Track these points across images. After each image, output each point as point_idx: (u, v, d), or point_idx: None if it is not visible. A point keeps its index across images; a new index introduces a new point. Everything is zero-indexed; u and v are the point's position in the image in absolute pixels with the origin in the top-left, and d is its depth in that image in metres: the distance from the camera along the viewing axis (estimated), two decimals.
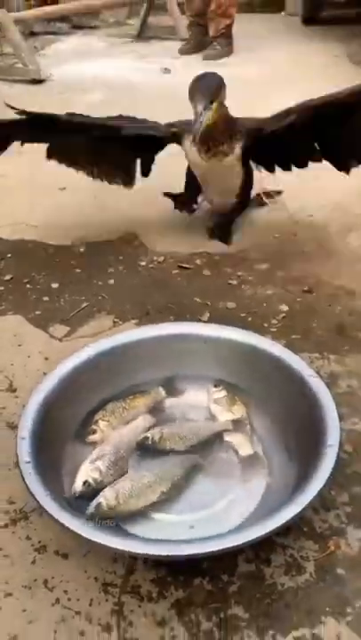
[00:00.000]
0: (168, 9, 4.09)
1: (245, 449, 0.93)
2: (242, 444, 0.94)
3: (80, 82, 3.30)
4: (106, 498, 0.83)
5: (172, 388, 1.04)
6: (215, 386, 1.02)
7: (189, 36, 3.83)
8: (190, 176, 1.56)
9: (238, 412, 0.99)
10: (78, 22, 4.73)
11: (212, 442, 0.95)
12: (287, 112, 1.40)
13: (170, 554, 0.73)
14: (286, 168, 1.55)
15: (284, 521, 0.72)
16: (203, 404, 1.01)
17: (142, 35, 4.30)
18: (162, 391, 1.03)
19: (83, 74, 3.46)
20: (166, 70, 3.45)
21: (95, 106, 2.86)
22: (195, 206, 1.66)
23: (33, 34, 4.40)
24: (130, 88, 3.15)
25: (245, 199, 1.61)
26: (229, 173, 1.48)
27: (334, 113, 1.39)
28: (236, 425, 0.96)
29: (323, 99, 1.39)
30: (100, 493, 0.84)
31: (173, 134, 1.50)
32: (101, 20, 4.93)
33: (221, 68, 3.41)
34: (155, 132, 1.52)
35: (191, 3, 3.69)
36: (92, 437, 0.96)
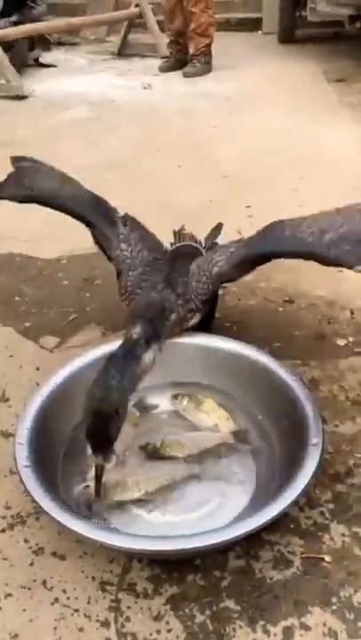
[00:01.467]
0: (148, 27, 4.18)
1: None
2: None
3: (62, 98, 3.35)
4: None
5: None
6: (175, 397, 1.06)
7: (170, 53, 3.90)
8: None
9: (219, 415, 1.03)
10: (59, 39, 4.80)
11: (213, 452, 0.98)
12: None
13: (171, 549, 0.76)
14: None
15: (274, 514, 0.76)
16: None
17: (123, 52, 4.39)
18: (135, 411, 1.05)
19: (65, 90, 3.52)
20: (147, 86, 3.53)
21: (78, 122, 2.92)
22: None
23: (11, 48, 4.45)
24: (111, 104, 3.21)
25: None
26: None
27: None
28: (237, 435, 1.00)
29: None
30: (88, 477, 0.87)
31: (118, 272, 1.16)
32: (82, 37, 5.01)
33: (200, 85, 3.51)
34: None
35: (171, 22, 3.74)
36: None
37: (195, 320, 1.10)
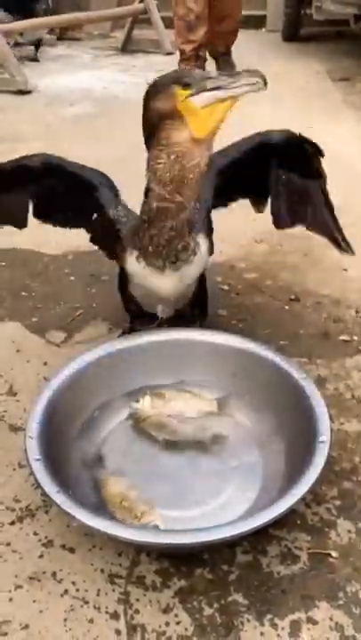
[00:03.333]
0: (152, 23, 4.18)
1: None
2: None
3: (66, 93, 3.35)
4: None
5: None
6: (137, 401, 1.05)
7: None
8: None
9: (185, 397, 1.06)
10: (63, 34, 4.80)
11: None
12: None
13: (181, 542, 0.77)
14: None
15: (282, 510, 0.77)
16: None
17: (127, 48, 4.39)
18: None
19: (68, 85, 3.52)
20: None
21: (81, 118, 2.92)
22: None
23: (17, 44, 4.45)
24: (115, 100, 3.21)
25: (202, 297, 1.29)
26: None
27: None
28: (220, 403, 1.05)
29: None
30: None
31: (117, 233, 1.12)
32: (86, 33, 5.00)
33: None
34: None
35: (195, 31, 3.09)
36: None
37: (202, 242, 1.07)
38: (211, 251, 1.12)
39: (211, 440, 1.01)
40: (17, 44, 4.42)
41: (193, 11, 3.01)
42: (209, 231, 1.13)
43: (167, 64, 4.00)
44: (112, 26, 5.03)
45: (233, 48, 3.89)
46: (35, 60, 4.13)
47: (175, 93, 0.95)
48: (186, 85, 0.94)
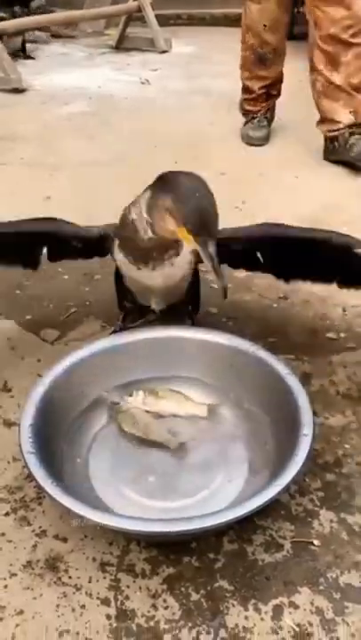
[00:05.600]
0: (147, 21, 4.20)
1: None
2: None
3: (61, 92, 3.37)
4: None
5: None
6: (130, 395, 1.09)
7: (256, 112, 2.51)
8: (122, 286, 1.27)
9: (177, 398, 1.10)
10: (56, 31, 4.80)
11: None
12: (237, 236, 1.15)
13: (169, 530, 0.81)
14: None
15: (266, 499, 0.81)
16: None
17: (121, 46, 4.40)
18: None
19: (63, 84, 3.53)
20: (145, 82, 3.55)
21: (76, 116, 2.94)
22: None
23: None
24: (110, 99, 3.23)
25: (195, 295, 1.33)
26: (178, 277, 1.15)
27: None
28: (210, 408, 1.08)
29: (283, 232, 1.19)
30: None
31: (100, 238, 1.17)
32: (80, 30, 5.01)
33: (197, 81, 3.54)
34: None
35: (268, 68, 2.39)
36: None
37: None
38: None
39: (178, 446, 1.03)
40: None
41: (269, 44, 2.32)
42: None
43: (162, 62, 4.04)
44: (106, 23, 5.03)
45: (226, 46, 3.86)
46: (20, 53, 4.09)
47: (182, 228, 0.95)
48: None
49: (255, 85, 2.46)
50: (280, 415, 0.99)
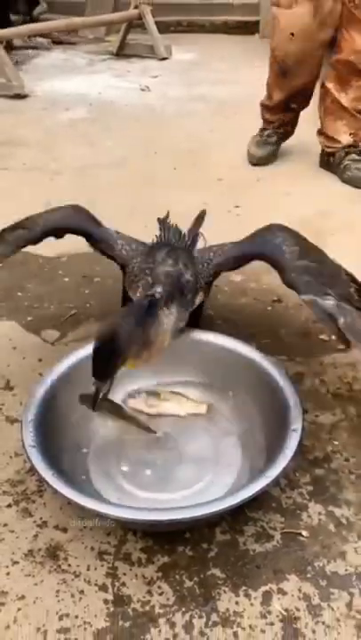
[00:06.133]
0: (147, 28, 4.25)
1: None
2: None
3: (62, 98, 3.42)
4: None
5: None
6: (131, 396, 1.14)
7: (268, 125, 2.38)
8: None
9: (179, 399, 1.14)
10: (58, 38, 4.86)
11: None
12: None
13: (164, 518, 0.85)
14: None
15: (256, 490, 0.85)
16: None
17: (121, 52, 4.45)
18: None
19: (64, 90, 3.58)
20: (145, 88, 3.60)
21: (77, 122, 3.00)
22: None
23: (13, 48, 4.52)
24: (110, 105, 3.28)
25: None
26: None
27: None
28: (209, 407, 1.13)
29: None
30: None
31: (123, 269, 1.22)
32: (81, 37, 5.07)
33: (196, 88, 3.59)
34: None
35: (289, 80, 2.18)
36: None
37: (199, 299, 1.18)
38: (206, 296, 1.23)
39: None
40: (12, 48, 4.50)
41: (292, 55, 2.09)
42: (208, 284, 1.21)
43: (162, 69, 4.09)
44: (107, 30, 5.09)
45: (225, 53, 3.85)
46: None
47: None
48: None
49: (275, 95, 2.27)
50: (271, 412, 1.03)
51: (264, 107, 2.37)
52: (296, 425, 0.95)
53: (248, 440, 1.05)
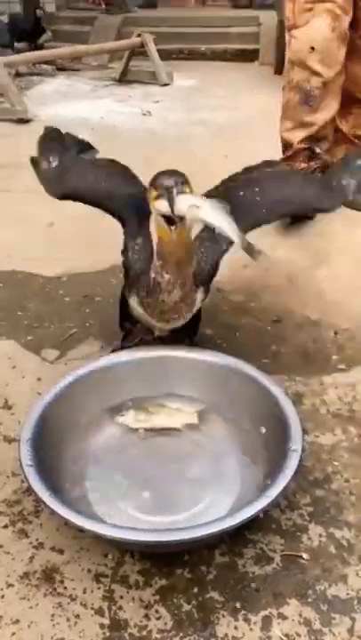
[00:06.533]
0: (149, 55, 4.34)
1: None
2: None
3: (65, 122, 3.46)
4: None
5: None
6: (121, 415, 1.13)
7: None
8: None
9: (168, 411, 1.14)
10: (62, 65, 4.97)
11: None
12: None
13: (163, 539, 0.84)
14: None
15: (256, 510, 0.84)
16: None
17: (124, 78, 4.54)
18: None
19: (67, 115, 3.64)
20: (147, 113, 3.66)
21: None
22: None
23: (18, 75, 4.61)
24: (112, 130, 3.34)
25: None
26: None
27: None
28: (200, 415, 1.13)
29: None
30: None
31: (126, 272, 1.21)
32: (84, 64, 5.18)
33: (197, 113, 3.65)
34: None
35: (314, 111, 1.94)
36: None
37: (200, 295, 1.17)
38: (206, 296, 1.22)
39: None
40: (17, 75, 4.60)
41: (320, 75, 1.86)
42: (209, 279, 1.21)
43: (163, 94, 4.17)
44: (110, 57, 5.21)
45: (226, 79, 3.92)
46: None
47: (151, 194, 1.03)
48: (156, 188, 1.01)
49: (295, 137, 1.96)
50: (271, 431, 1.02)
51: (283, 161, 2.02)
52: (296, 445, 0.94)
53: (248, 460, 1.04)
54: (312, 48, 1.86)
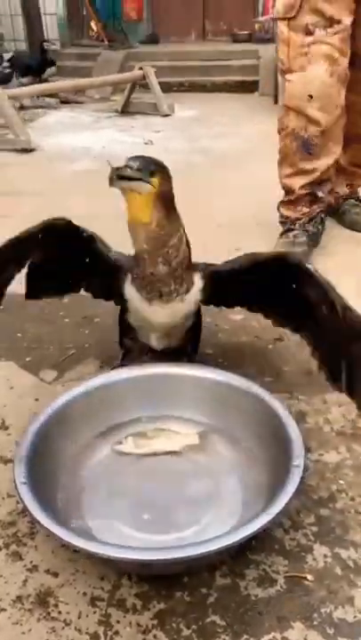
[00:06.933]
0: (150, 88, 4.44)
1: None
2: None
3: (67, 152, 3.53)
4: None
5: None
6: (119, 443, 1.11)
7: (291, 222, 1.97)
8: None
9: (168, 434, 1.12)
10: (65, 98, 5.08)
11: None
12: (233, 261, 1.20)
13: (161, 558, 0.81)
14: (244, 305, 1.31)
15: (258, 527, 0.81)
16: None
17: (126, 110, 4.63)
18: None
19: (69, 145, 3.71)
20: (149, 142, 3.72)
21: (80, 174, 3.07)
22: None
23: (22, 108, 4.72)
24: (113, 158, 3.37)
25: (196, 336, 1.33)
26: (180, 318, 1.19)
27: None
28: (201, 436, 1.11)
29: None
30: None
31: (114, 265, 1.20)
32: (87, 97, 5.29)
33: (198, 142, 3.71)
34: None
35: (315, 159, 1.86)
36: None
37: (198, 280, 1.17)
38: (205, 286, 1.20)
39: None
40: (22, 108, 4.70)
41: (318, 123, 1.79)
42: (207, 266, 1.22)
43: (164, 125, 4.24)
44: (112, 90, 5.32)
45: (227, 109, 3.99)
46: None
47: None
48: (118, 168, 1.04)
49: (296, 184, 1.89)
50: (272, 448, 1.00)
51: (283, 204, 1.99)
52: (298, 461, 0.91)
53: (250, 479, 1.01)
54: (310, 96, 1.76)
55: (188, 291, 1.17)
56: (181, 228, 1.16)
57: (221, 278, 1.20)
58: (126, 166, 1.04)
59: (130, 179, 1.04)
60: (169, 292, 1.14)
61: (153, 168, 1.06)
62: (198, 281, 1.18)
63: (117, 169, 1.04)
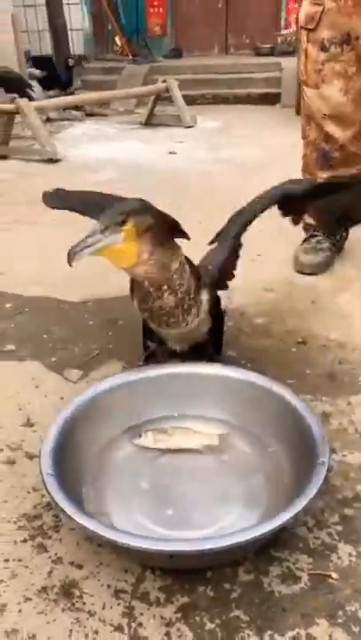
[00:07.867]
0: (173, 100, 4.49)
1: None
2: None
3: (92, 162, 3.59)
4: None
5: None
6: (139, 435, 1.12)
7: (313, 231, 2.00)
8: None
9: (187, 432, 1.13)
10: (91, 111, 5.17)
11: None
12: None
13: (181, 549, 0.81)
14: None
15: (283, 520, 0.80)
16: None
17: (149, 122, 4.69)
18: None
19: (94, 155, 3.77)
20: (173, 152, 3.76)
21: (103, 183, 3.12)
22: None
23: (49, 120, 4.82)
24: (137, 168, 3.43)
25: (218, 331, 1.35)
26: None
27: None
28: (221, 438, 1.11)
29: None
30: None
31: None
32: (112, 109, 5.38)
33: (220, 152, 3.74)
34: None
35: (334, 172, 1.89)
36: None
37: (204, 297, 1.18)
38: (211, 297, 1.22)
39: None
40: (48, 120, 4.79)
41: (334, 140, 1.83)
42: (215, 280, 1.23)
43: (187, 136, 4.29)
44: (137, 103, 5.40)
45: (249, 120, 4.02)
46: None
47: None
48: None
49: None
50: (297, 447, 0.99)
51: (305, 226, 2.01)
52: (323, 458, 0.91)
53: (273, 476, 1.01)
54: (325, 115, 1.80)
55: (197, 315, 1.17)
56: (182, 256, 1.15)
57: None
58: (81, 242, 1.02)
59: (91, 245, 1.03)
60: (177, 322, 1.16)
61: (120, 219, 1.02)
62: (205, 296, 1.19)
63: (73, 247, 1.02)
